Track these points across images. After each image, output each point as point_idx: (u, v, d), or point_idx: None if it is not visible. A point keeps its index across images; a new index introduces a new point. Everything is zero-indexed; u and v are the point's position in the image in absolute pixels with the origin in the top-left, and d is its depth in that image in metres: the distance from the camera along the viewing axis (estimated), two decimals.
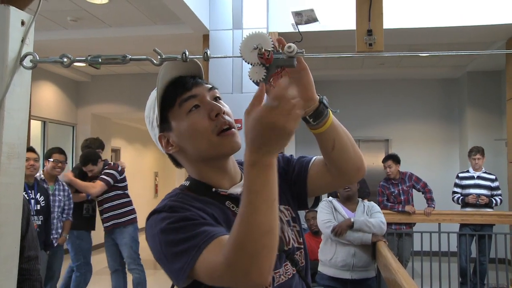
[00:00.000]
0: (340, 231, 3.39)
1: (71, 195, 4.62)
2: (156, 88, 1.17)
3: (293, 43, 0.98)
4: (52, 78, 8.34)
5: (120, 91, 8.99)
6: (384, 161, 6.03)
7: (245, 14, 5.68)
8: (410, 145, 8.63)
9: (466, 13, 5.56)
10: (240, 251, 0.90)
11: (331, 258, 3.47)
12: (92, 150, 5.00)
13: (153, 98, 1.21)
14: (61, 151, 4.56)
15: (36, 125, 7.94)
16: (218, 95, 1.20)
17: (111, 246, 4.99)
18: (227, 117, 1.15)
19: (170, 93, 1.16)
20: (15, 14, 1.07)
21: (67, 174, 4.87)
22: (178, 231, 1.02)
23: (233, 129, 1.15)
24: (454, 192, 6.10)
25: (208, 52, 1.01)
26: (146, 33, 6.00)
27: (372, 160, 8.76)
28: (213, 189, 1.17)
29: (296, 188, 1.29)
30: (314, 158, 1.31)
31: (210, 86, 1.20)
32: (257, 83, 0.99)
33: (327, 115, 1.12)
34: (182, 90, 1.15)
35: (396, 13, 5.55)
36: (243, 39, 0.99)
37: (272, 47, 0.99)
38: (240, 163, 1.29)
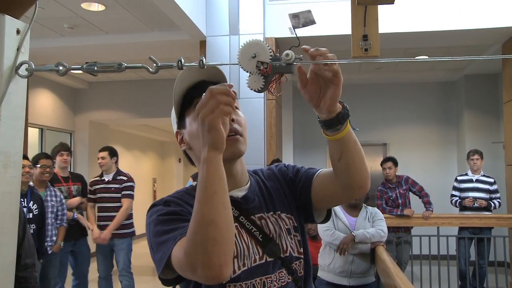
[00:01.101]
0: (344, 249, 3.34)
1: (63, 201, 4.59)
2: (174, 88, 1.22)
3: (290, 48, 0.98)
4: (49, 85, 8.33)
5: (117, 98, 8.99)
6: (383, 162, 6.02)
7: (242, 20, 5.70)
8: (408, 149, 8.64)
9: (462, 17, 5.58)
10: (190, 241, 0.96)
11: (330, 263, 3.46)
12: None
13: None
14: (47, 156, 4.58)
15: (33, 133, 7.92)
16: (235, 104, 1.20)
17: (108, 252, 5.00)
18: (234, 125, 1.19)
19: (189, 94, 1.23)
20: (10, 23, 1.07)
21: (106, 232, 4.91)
22: (164, 223, 1.10)
23: (237, 136, 1.19)
24: (452, 195, 6.10)
25: (204, 60, 1.01)
26: (143, 40, 6.01)
27: (370, 165, 8.58)
28: None
29: (302, 198, 1.31)
30: (320, 170, 1.32)
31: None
32: (257, 91, 1.00)
33: (340, 129, 1.12)
34: (200, 92, 1.15)
35: (392, 17, 5.57)
36: (241, 47, 0.99)
37: (271, 55, 0.99)
38: (254, 172, 1.36)
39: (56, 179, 4.85)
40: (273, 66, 0.98)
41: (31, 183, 4.38)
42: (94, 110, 9.08)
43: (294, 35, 1.02)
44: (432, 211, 5.77)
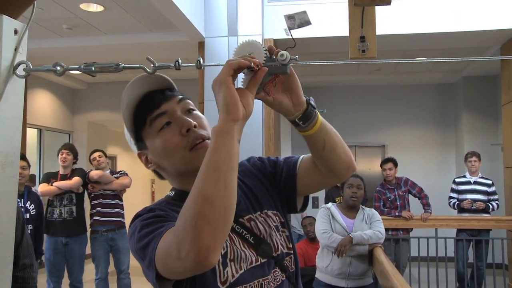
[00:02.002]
0: (341, 250, 3.34)
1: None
2: (121, 110, 1.16)
3: (286, 49, 0.98)
4: (48, 86, 8.33)
5: (116, 99, 8.98)
6: (383, 163, 6.00)
7: (240, 21, 5.71)
8: (407, 151, 8.64)
9: (460, 19, 5.60)
10: (181, 217, 0.89)
11: (327, 265, 3.45)
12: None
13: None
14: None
15: (32, 133, 7.92)
16: (191, 107, 1.17)
17: (108, 253, 5.01)
18: (200, 131, 1.13)
19: (140, 112, 1.15)
20: (8, 23, 1.07)
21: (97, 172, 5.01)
22: (147, 226, 1.02)
23: (206, 141, 1.12)
24: (450, 197, 6.11)
25: (201, 61, 1.01)
26: (141, 41, 6.01)
27: (368, 166, 8.77)
28: None
29: (286, 190, 1.28)
30: (301, 157, 1.30)
31: (181, 97, 1.17)
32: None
33: (316, 116, 1.12)
34: (151, 108, 1.14)
35: (391, 19, 5.58)
36: (236, 47, 0.99)
37: (265, 55, 0.99)
38: None
39: (55, 176, 4.86)
40: (267, 66, 0.97)
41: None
42: (93, 110, 9.08)
43: (291, 37, 1.01)
44: (430, 213, 5.78)
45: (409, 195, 5.95)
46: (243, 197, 1.24)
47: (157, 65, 1.03)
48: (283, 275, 1.21)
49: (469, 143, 7.95)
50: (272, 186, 1.29)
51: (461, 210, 5.97)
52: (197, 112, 1.19)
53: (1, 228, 1.05)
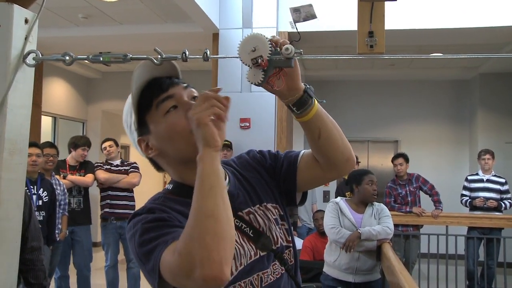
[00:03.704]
0: (350, 246, 3.34)
1: (66, 190, 4.65)
2: (131, 92, 1.17)
3: (291, 43, 0.98)
4: (63, 74, 8.40)
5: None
6: (394, 158, 5.97)
7: (255, 13, 5.69)
8: (419, 147, 8.58)
9: (478, 14, 5.51)
10: (187, 238, 0.91)
11: (335, 260, 3.45)
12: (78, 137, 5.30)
13: (129, 102, 1.22)
14: (51, 145, 4.66)
15: (47, 121, 8.00)
16: (195, 94, 1.18)
17: (118, 241, 5.07)
18: None
19: (146, 96, 1.17)
20: (19, 12, 1.09)
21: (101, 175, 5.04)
22: (150, 230, 1.02)
23: None
24: (462, 195, 6.06)
25: (208, 52, 1.02)
26: (156, 31, 6.02)
27: (381, 161, 8.73)
28: (188, 191, 1.13)
29: (286, 184, 1.29)
30: (302, 152, 1.30)
31: (186, 84, 1.19)
32: (256, 85, 1.00)
33: (312, 104, 1.13)
34: (158, 91, 1.15)
35: (406, 13, 5.53)
36: (241, 40, 0.99)
37: (270, 49, 0.99)
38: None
39: (63, 166, 4.93)
40: (272, 60, 0.98)
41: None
42: (107, 100, 9.14)
43: (296, 30, 1.02)
44: (441, 210, 5.74)
45: (420, 191, 5.91)
46: (241, 190, 1.24)
47: (164, 56, 1.04)
48: (283, 268, 1.22)
49: (484, 141, 7.86)
50: (271, 179, 1.29)
51: (473, 208, 5.92)
52: None
53: (9, 214, 1.08)
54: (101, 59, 1.07)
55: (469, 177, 6.13)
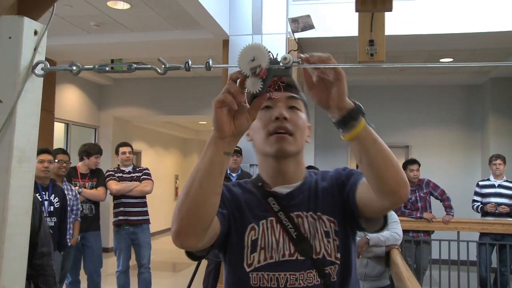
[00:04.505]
0: (358, 252, 3.33)
1: (78, 195, 4.73)
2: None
3: (289, 52, 1.00)
4: (75, 81, 8.51)
5: (142, 95, 9.13)
6: (409, 164, 5.81)
7: (265, 20, 5.72)
8: (430, 152, 8.53)
9: (487, 19, 5.50)
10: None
11: None
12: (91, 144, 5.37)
13: None
14: (64, 152, 4.73)
15: (59, 127, 8.11)
16: (295, 105, 1.28)
17: (130, 247, 5.11)
18: (287, 124, 1.24)
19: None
20: (29, 24, 1.12)
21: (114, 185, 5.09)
22: None
23: (285, 135, 1.24)
24: (474, 201, 6.01)
25: (210, 62, 1.04)
26: (167, 38, 6.09)
27: None
28: (259, 184, 1.32)
29: (349, 204, 1.26)
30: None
31: (291, 95, 1.29)
32: (255, 94, 1.02)
33: (354, 126, 1.07)
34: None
35: (416, 19, 5.53)
36: (241, 50, 1.01)
37: (269, 58, 1.01)
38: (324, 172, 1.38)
39: (74, 174, 4.99)
40: (271, 69, 1.00)
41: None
42: (119, 106, 9.24)
43: (293, 38, 1.03)
44: (452, 215, 5.70)
45: (431, 197, 5.88)
46: (304, 195, 1.30)
47: (167, 66, 1.06)
48: (319, 280, 1.22)
49: (496, 146, 7.80)
50: (339, 195, 1.29)
51: (485, 213, 5.88)
52: (300, 113, 1.29)
53: (17, 220, 1.10)
54: (107, 69, 1.09)
55: (480, 183, 6.09)
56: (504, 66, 7.70)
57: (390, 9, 1.82)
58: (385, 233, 3.44)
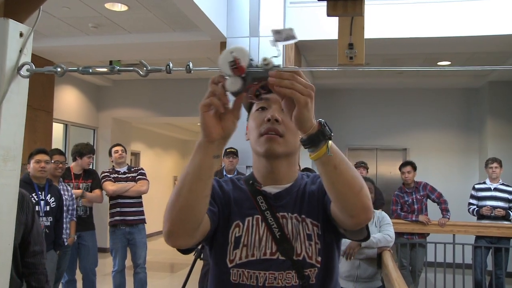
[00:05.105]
0: (350, 253, 3.34)
1: (73, 196, 4.76)
2: None
3: (270, 57, 1.01)
4: (74, 82, 8.54)
5: (140, 96, 9.15)
6: (402, 166, 5.97)
7: (262, 22, 5.75)
8: (428, 155, 8.55)
9: (486, 22, 5.51)
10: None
11: None
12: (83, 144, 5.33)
13: None
14: (60, 152, 4.75)
15: (58, 128, 8.13)
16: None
17: (126, 247, 5.13)
18: (278, 126, 1.27)
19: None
20: (14, 27, 1.15)
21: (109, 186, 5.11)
22: None
23: (275, 136, 1.27)
24: (470, 204, 6.02)
25: (191, 65, 1.06)
26: (164, 40, 6.12)
27: (389, 169, 8.71)
28: (251, 182, 1.35)
29: (327, 212, 1.27)
30: None
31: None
32: (233, 94, 1.04)
33: (313, 151, 1.06)
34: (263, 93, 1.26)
35: (413, 22, 5.55)
36: (222, 52, 1.03)
37: (249, 61, 1.02)
38: (307, 170, 1.40)
39: (68, 175, 5.02)
40: (251, 72, 1.01)
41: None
42: (117, 107, 9.26)
43: (276, 48, 1.04)
44: (448, 218, 5.72)
45: (428, 200, 5.90)
46: (292, 197, 1.33)
47: (149, 68, 1.08)
48: (298, 281, 1.24)
49: (493, 149, 7.82)
50: (323, 200, 1.29)
51: (481, 216, 5.89)
52: None
53: (2, 218, 1.13)
54: (91, 71, 1.12)
55: (476, 186, 6.10)
56: (502, 70, 7.72)
57: (360, 14, 1.85)
58: (377, 235, 3.46)
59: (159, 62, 5.32)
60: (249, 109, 1.38)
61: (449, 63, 7.35)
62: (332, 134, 1.06)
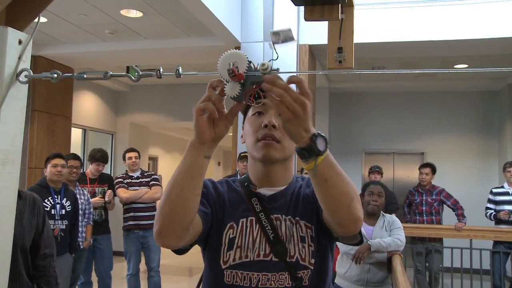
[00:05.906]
0: (359, 257, 3.33)
1: (90, 200, 4.85)
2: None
3: (269, 61, 1.02)
4: (93, 87, 8.68)
5: (158, 101, 9.25)
6: (422, 167, 6.01)
7: (276, 26, 5.76)
8: (446, 159, 8.43)
9: (502, 24, 5.44)
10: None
11: (346, 272, 3.45)
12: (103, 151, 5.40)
13: None
14: (75, 157, 4.82)
15: (77, 133, 8.27)
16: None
17: (139, 250, 5.19)
18: (274, 132, 1.28)
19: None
20: (13, 34, 1.18)
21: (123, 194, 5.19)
22: None
23: (272, 141, 1.28)
24: (487, 208, 5.94)
25: (180, 70, 1.08)
26: (179, 45, 6.18)
27: (407, 173, 8.63)
28: (246, 183, 1.37)
29: (320, 215, 1.28)
30: None
31: None
32: (234, 99, 1.06)
33: (305, 162, 1.05)
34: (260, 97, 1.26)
35: (429, 25, 5.51)
36: (221, 56, 1.05)
37: (247, 65, 1.04)
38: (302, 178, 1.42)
39: (83, 180, 5.10)
40: (249, 76, 1.02)
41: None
42: (135, 112, 9.37)
43: (274, 50, 1.05)
44: (465, 223, 5.65)
45: (443, 205, 5.85)
46: (286, 199, 1.34)
47: (141, 73, 1.11)
48: (291, 283, 1.25)
49: None
50: (317, 204, 1.26)
51: (498, 221, 5.80)
52: None
53: (1, 220, 1.17)
54: (85, 76, 1.15)
55: (494, 190, 6.01)
56: None
57: (337, 18, 1.86)
58: (387, 239, 3.43)
59: (174, 68, 5.36)
60: (245, 113, 1.39)
61: (466, 66, 7.26)
62: (324, 150, 1.02)
